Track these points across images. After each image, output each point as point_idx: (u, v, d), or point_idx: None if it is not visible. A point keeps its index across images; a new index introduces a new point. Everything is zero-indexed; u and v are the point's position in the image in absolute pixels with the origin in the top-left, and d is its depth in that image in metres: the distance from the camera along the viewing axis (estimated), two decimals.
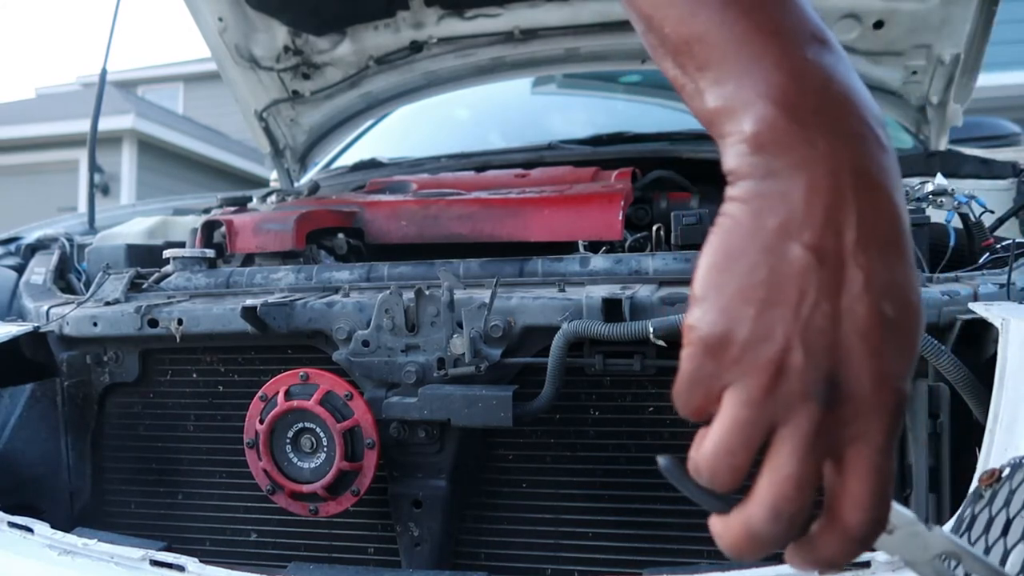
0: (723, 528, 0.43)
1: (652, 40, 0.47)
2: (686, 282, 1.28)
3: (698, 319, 0.42)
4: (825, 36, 0.44)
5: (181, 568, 1.05)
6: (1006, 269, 1.19)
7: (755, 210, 0.42)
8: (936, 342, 1.05)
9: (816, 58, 0.43)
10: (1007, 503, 0.73)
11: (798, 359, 0.40)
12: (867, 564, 0.86)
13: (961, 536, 0.77)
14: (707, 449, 0.42)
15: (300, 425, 1.22)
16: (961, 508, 0.81)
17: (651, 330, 1.12)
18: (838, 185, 0.41)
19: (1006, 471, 0.77)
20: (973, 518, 0.76)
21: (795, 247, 0.41)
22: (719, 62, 0.44)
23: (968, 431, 1.03)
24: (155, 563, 1.05)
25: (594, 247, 1.60)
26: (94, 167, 2.02)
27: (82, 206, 3.04)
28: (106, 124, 8.77)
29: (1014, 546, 0.67)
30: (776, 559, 1.00)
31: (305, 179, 2.67)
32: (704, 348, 0.42)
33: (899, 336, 0.41)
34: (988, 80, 4.93)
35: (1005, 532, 0.69)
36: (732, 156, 0.43)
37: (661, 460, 0.45)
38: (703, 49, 0.44)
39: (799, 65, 0.43)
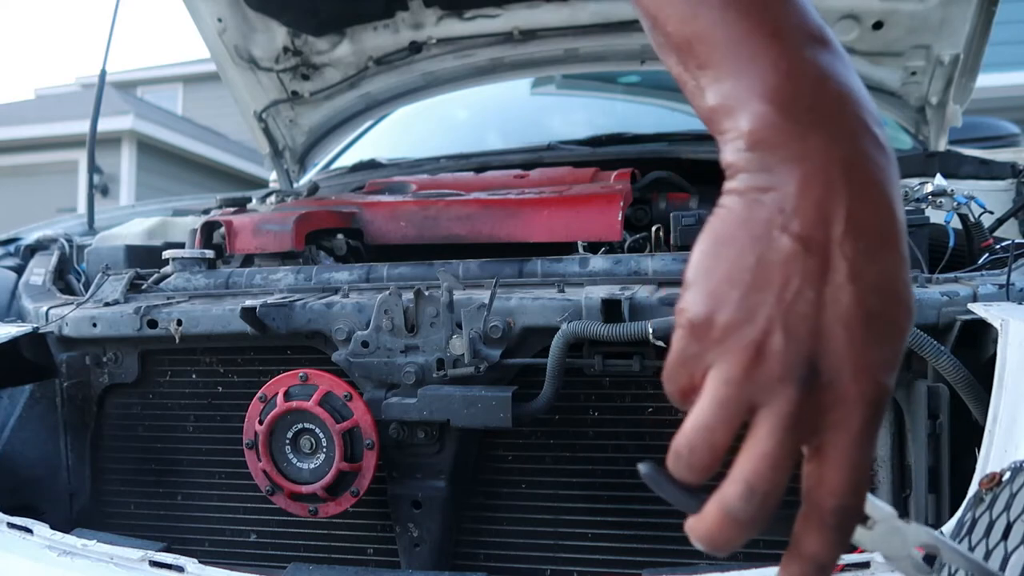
0: (697, 519, 0.44)
1: (657, 38, 0.49)
2: None
3: (687, 302, 0.44)
4: (824, 36, 0.45)
5: (180, 569, 1.05)
6: (1005, 270, 1.19)
7: (748, 201, 0.43)
8: (936, 343, 1.05)
9: (813, 57, 0.44)
10: (1007, 507, 0.72)
11: (778, 342, 0.41)
12: (867, 564, 0.86)
13: (961, 540, 0.76)
14: (687, 426, 0.43)
15: (299, 426, 1.22)
16: (961, 512, 0.81)
17: (650, 331, 1.12)
18: (829, 179, 0.42)
19: (1006, 475, 0.77)
20: (974, 522, 0.76)
21: (783, 236, 0.42)
22: (719, 61, 0.45)
23: (968, 431, 1.03)
24: (154, 564, 1.06)
25: (593, 248, 1.60)
26: (93, 168, 2.01)
27: (81, 207, 3.04)
28: (105, 125, 8.77)
29: (1014, 550, 0.67)
30: (776, 560, 1.00)
31: (304, 180, 2.66)
32: (690, 329, 0.44)
33: (883, 329, 0.42)
34: (988, 80, 4.93)
35: (1005, 536, 0.69)
36: (730, 151, 0.45)
37: (642, 468, 0.45)
38: (704, 48, 0.46)
39: (795, 65, 0.44)
